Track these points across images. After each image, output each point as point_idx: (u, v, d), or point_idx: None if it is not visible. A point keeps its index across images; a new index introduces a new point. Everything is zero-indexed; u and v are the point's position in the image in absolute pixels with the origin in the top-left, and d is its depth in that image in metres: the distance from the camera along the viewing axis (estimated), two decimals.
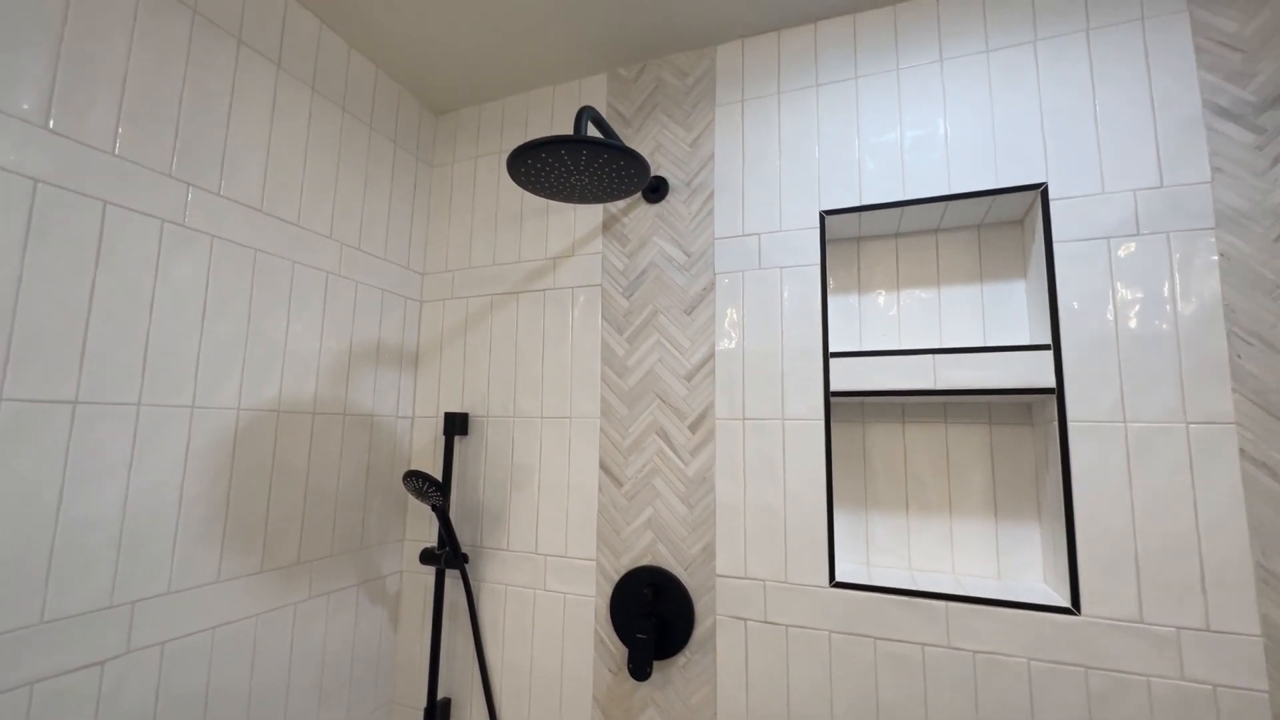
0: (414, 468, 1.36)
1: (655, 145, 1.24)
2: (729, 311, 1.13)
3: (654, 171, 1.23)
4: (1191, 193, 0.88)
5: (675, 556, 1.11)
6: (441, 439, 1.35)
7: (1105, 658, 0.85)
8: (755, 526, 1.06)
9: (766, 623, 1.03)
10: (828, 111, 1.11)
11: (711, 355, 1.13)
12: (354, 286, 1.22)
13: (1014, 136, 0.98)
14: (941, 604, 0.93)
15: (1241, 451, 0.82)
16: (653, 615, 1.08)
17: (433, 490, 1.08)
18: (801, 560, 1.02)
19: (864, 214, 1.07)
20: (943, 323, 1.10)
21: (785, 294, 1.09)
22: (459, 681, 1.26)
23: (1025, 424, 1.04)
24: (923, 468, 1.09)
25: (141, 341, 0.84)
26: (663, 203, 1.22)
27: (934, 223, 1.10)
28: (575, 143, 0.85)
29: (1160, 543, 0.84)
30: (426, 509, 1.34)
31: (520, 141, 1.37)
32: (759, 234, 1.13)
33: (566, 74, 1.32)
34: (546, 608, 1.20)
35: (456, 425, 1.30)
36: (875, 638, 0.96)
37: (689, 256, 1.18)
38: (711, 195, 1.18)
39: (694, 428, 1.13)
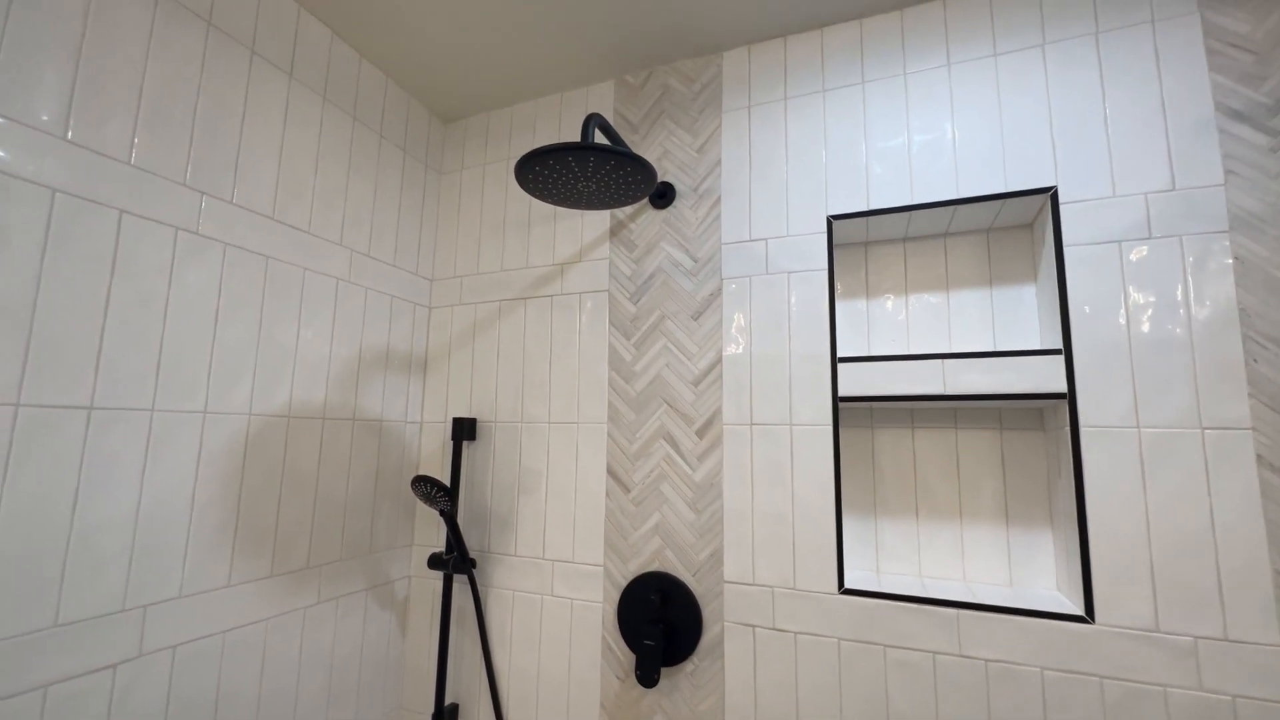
0: (422, 473, 1.37)
1: (662, 151, 1.24)
2: (736, 317, 1.13)
3: (661, 177, 1.24)
4: (1204, 196, 0.87)
5: (683, 562, 1.11)
6: (449, 444, 1.36)
7: (1120, 667, 0.83)
8: (763, 532, 1.06)
9: (775, 629, 1.02)
10: (834, 117, 1.11)
11: (719, 360, 1.13)
12: (363, 293, 1.23)
13: (1023, 140, 0.98)
14: (952, 611, 0.92)
15: (1258, 457, 0.81)
16: (660, 621, 1.08)
17: (441, 495, 1.08)
18: (810, 566, 1.02)
19: (871, 218, 1.06)
20: (952, 327, 1.09)
21: (793, 299, 1.09)
22: (466, 687, 1.26)
23: (1037, 429, 1.03)
24: (932, 473, 1.09)
25: (155, 347, 0.86)
26: (670, 208, 1.22)
27: (942, 227, 1.09)
28: (582, 149, 0.86)
29: (1176, 550, 0.83)
30: (435, 514, 1.35)
31: (528, 149, 1.38)
32: (766, 239, 1.13)
33: (574, 81, 1.33)
34: (554, 613, 1.20)
35: (464, 430, 1.30)
36: (885, 645, 0.96)
37: (696, 262, 1.18)
38: (718, 201, 1.18)
39: (701, 433, 1.13)
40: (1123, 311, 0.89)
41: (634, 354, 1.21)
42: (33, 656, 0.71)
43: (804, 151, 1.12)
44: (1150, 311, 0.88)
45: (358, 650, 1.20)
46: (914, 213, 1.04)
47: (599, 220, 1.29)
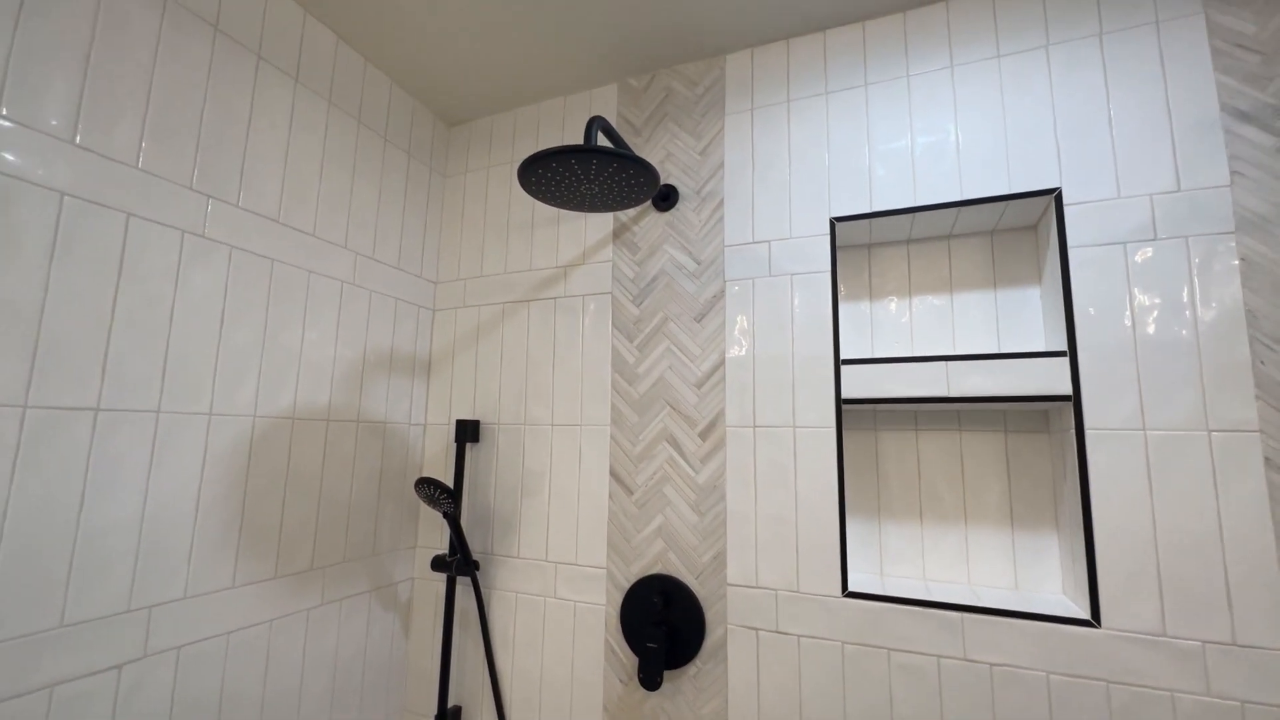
0: (426, 475, 1.37)
1: (665, 154, 1.25)
2: (739, 319, 1.13)
3: (664, 180, 1.24)
4: (1210, 197, 0.86)
5: (686, 565, 1.11)
6: (453, 446, 1.36)
7: (1127, 672, 0.82)
8: (766, 535, 1.05)
9: (778, 632, 1.02)
10: (837, 119, 1.11)
11: (722, 362, 1.13)
12: (368, 295, 1.24)
13: (1027, 141, 0.98)
14: (957, 615, 0.92)
15: (1266, 460, 0.80)
16: (663, 624, 1.08)
17: (444, 497, 1.09)
18: (813, 569, 1.01)
19: (875, 220, 1.06)
20: (956, 329, 1.09)
21: (796, 301, 1.09)
22: (469, 689, 1.26)
23: (1042, 431, 1.03)
24: (937, 476, 1.08)
25: (161, 350, 0.86)
26: (673, 211, 1.22)
27: (946, 229, 1.09)
28: (585, 152, 0.86)
29: (1183, 554, 0.82)
30: (438, 516, 1.35)
31: (532, 151, 1.39)
32: (769, 241, 1.13)
33: (577, 85, 1.33)
34: (557, 616, 1.20)
35: (468, 432, 1.30)
36: (889, 649, 0.95)
37: (699, 264, 1.18)
38: (721, 203, 1.18)
39: (704, 435, 1.13)
40: (1128, 313, 0.89)
41: (637, 356, 1.21)
42: (39, 657, 0.72)
43: (807, 154, 1.12)
44: (1156, 313, 0.87)
45: (361, 652, 1.20)
46: (917, 215, 1.04)
47: (602, 223, 1.29)
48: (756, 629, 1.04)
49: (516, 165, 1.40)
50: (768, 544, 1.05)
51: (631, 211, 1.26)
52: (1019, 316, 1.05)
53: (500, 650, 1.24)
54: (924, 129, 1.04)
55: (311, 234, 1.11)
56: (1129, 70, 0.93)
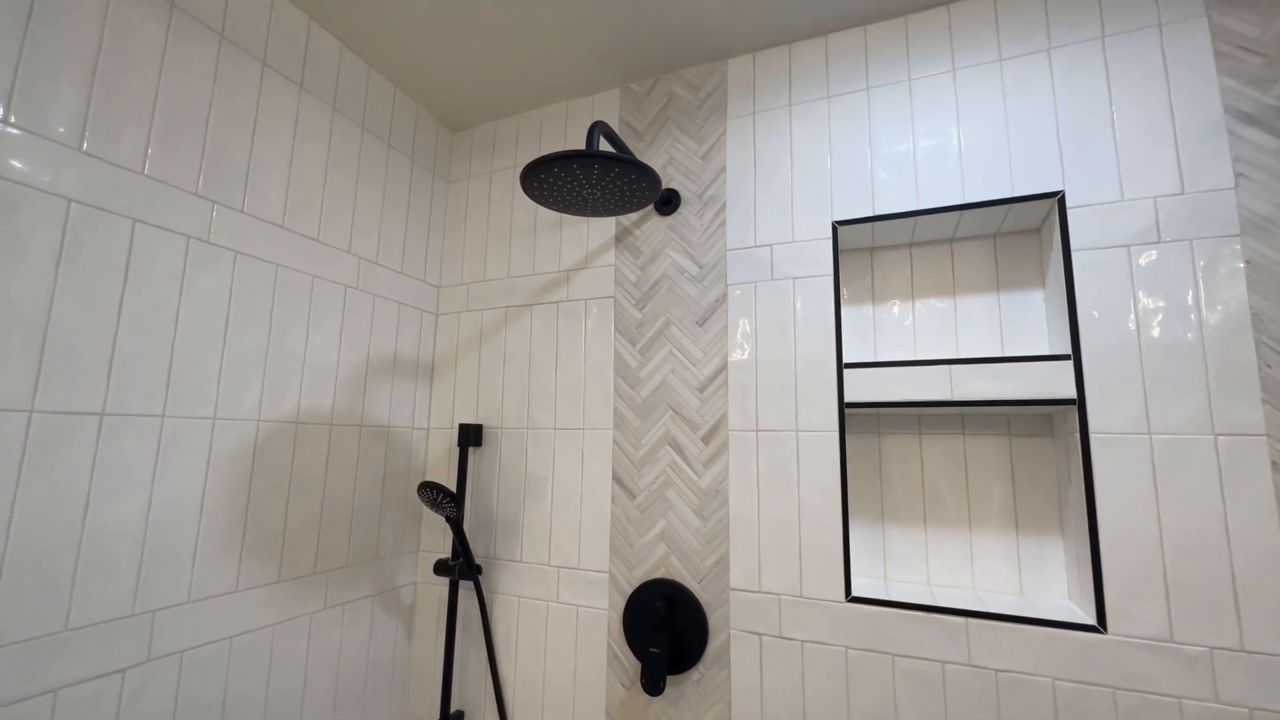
0: (428, 479, 1.38)
1: (667, 158, 1.25)
2: (742, 322, 1.13)
3: (666, 184, 1.24)
4: (1214, 199, 0.86)
5: (689, 569, 1.11)
6: (456, 450, 1.36)
7: (1134, 678, 0.82)
8: (769, 539, 1.05)
9: (781, 638, 1.02)
10: (839, 123, 1.11)
11: (724, 366, 1.13)
12: (371, 300, 1.25)
13: (1029, 145, 0.97)
14: (961, 620, 0.91)
15: (1273, 464, 0.79)
16: (666, 629, 1.07)
17: (447, 501, 1.09)
18: (817, 574, 1.01)
19: (877, 224, 1.06)
20: (959, 333, 1.09)
21: (798, 305, 1.09)
22: (472, 694, 1.26)
23: (1046, 435, 1.02)
24: (940, 480, 1.08)
25: (166, 355, 0.87)
26: (675, 215, 1.22)
27: (949, 232, 1.09)
28: (587, 157, 0.86)
29: (1189, 558, 0.81)
30: (441, 520, 1.35)
31: (534, 156, 1.39)
32: (771, 245, 1.13)
33: (579, 90, 1.34)
34: (559, 620, 1.20)
35: (471, 436, 1.31)
36: (893, 654, 0.94)
37: (701, 268, 1.18)
38: (723, 207, 1.18)
39: (707, 439, 1.12)
40: (1132, 316, 0.88)
41: (639, 360, 1.21)
42: (43, 660, 0.72)
43: (809, 157, 1.13)
44: (1160, 316, 0.87)
45: (364, 656, 1.20)
46: (920, 218, 1.03)
47: (604, 227, 1.29)
48: (759, 634, 1.03)
49: (519, 170, 1.41)
50: (770, 548, 1.05)
51: (634, 216, 1.27)
52: (1022, 320, 1.05)
53: (503, 655, 1.24)
54: (926, 132, 1.04)
55: (315, 239, 1.12)
56: (1131, 73, 0.93)
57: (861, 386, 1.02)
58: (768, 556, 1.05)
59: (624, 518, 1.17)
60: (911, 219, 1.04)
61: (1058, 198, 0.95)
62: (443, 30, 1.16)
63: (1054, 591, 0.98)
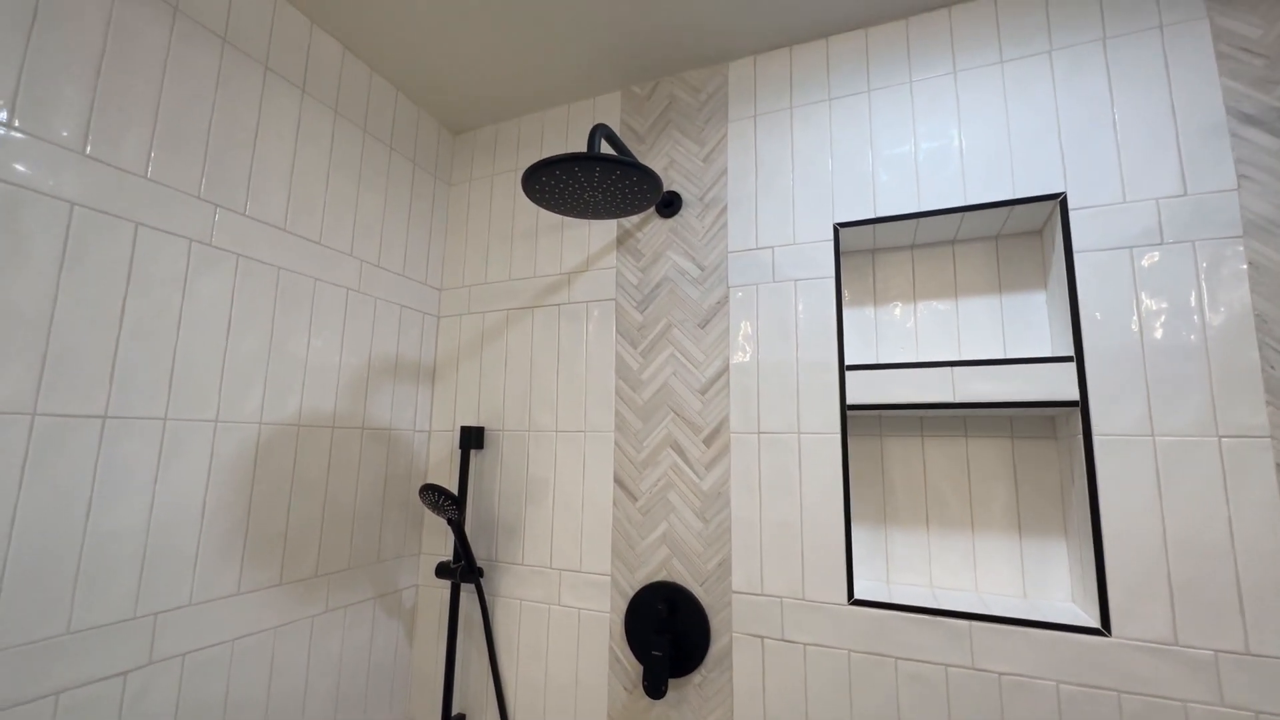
0: (430, 481, 1.38)
1: (669, 161, 1.25)
2: (743, 325, 1.13)
3: (667, 187, 1.24)
4: (1217, 201, 0.86)
5: (690, 572, 1.10)
6: (457, 453, 1.36)
7: (1138, 681, 0.81)
8: (771, 542, 1.05)
9: (784, 640, 1.01)
10: (840, 125, 1.11)
11: (726, 369, 1.13)
12: (373, 303, 1.25)
13: (1031, 146, 0.97)
14: (965, 623, 0.91)
15: (1278, 466, 0.79)
16: (668, 632, 1.07)
17: (448, 504, 1.09)
18: (819, 577, 1.01)
19: (878, 226, 1.06)
20: (961, 335, 1.08)
21: (800, 307, 1.09)
22: (473, 697, 1.26)
23: (1049, 437, 1.02)
24: (943, 482, 1.07)
25: (169, 358, 0.87)
26: (676, 217, 1.22)
27: (950, 234, 1.09)
28: (589, 160, 0.86)
29: (1193, 561, 0.81)
30: (442, 523, 1.35)
31: (536, 159, 1.40)
32: (773, 247, 1.13)
33: (581, 92, 1.34)
34: (561, 623, 1.20)
35: (472, 439, 1.31)
36: (896, 658, 0.94)
37: (703, 270, 1.18)
38: (725, 209, 1.18)
39: (709, 441, 1.12)
40: (1135, 318, 0.88)
41: (641, 362, 1.21)
42: (45, 663, 0.72)
43: (810, 160, 1.13)
44: (1163, 318, 0.86)
45: (365, 659, 1.20)
46: (921, 220, 1.03)
47: (606, 230, 1.29)
48: (762, 637, 1.03)
49: (521, 173, 1.41)
50: (773, 551, 1.04)
51: (635, 218, 1.27)
52: (1025, 321, 1.04)
53: (504, 658, 1.24)
54: (927, 134, 1.04)
55: (317, 242, 1.12)
56: (1133, 75, 0.93)
57: (863, 388, 1.02)
58: (770, 559, 1.04)
59: (626, 520, 1.17)
60: (913, 221, 1.04)
61: (1060, 199, 0.94)
62: (444, 33, 1.16)
63: (1057, 594, 0.98)
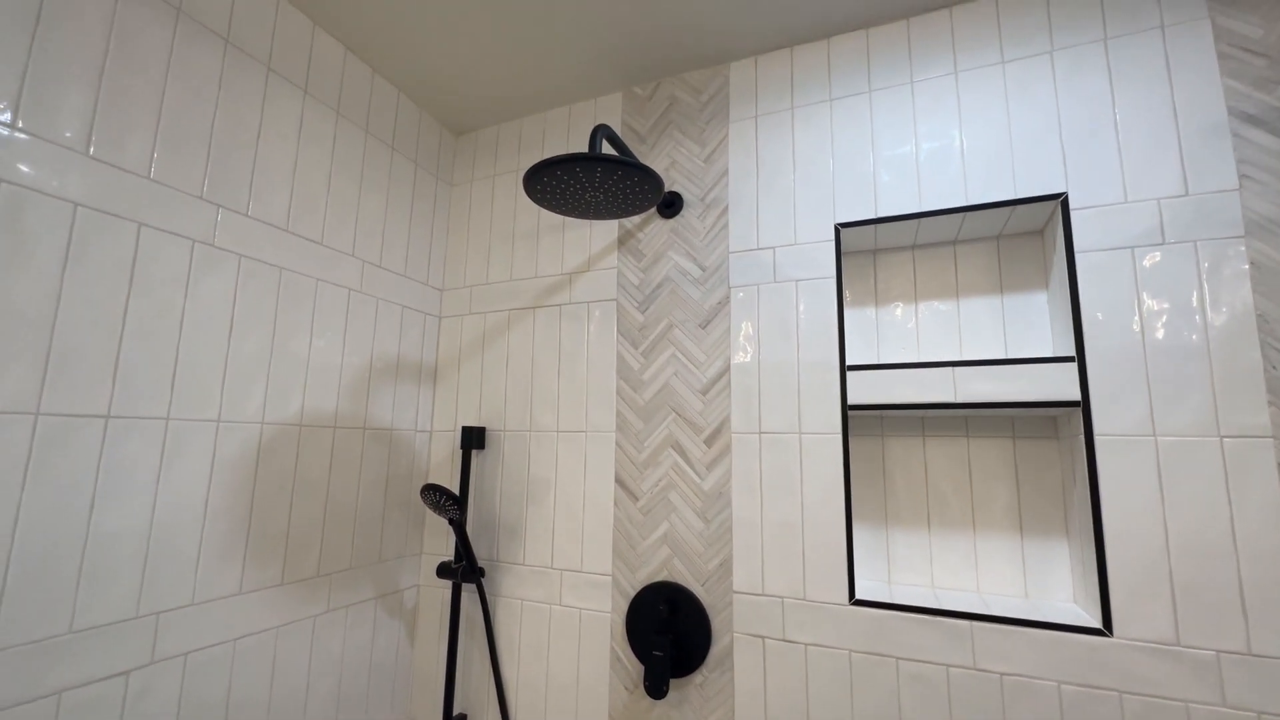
0: (432, 481, 1.38)
1: (670, 161, 1.25)
2: (744, 325, 1.13)
3: (668, 187, 1.24)
4: (1219, 201, 0.86)
5: (691, 572, 1.10)
6: (459, 453, 1.36)
7: (1140, 682, 0.81)
8: (772, 542, 1.05)
9: (785, 641, 1.01)
10: (841, 125, 1.11)
11: (727, 369, 1.13)
12: (375, 303, 1.25)
13: (1032, 147, 0.97)
14: (966, 623, 0.91)
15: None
16: (669, 632, 1.07)
17: (450, 504, 1.09)
18: (820, 577, 1.01)
19: (880, 226, 1.06)
20: (962, 335, 1.08)
21: (801, 307, 1.09)
22: (475, 697, 1.26)
23: (1050, 437, 1.02)
24: (944, 483, 1.07)
25: (171, 357, 0.87)
26: (677, 218, 1.23)
27: (952, 234, 1.09)
28: (590, 160, 0.86)
29: (1196, 561, 0.81)
30: (444, 523, 1.35)
31: (537, 160, 1.40)
32: (774, 247, 1.13)
33: (582, 93, 1.35)
34: (562, 623, 1.20)
35: (473, 439, 1.31)
36: (897, 658, 0.94)
37: (704, 270, 1.18)
38: (726, 210, 1.18)
39: (710, 442, 1.12)
40: (1137, 318, 0.88)
41: (642, 363, 1.21)
42: (48, 662, 0.72)
43: (811, 160, 1.13)
44: (1165, 318, 0.86)
45: (366, 659, 1.20)
46: (922, 220, 1.03)
47: (607, 230, 1.30)
48: (763, 637, 1.03)
49: (522, 173, 1.41)
50: (774, 551, 1.04)
51: (636, 219, 1.27)
52: (1026, 322, 1.04)
53: (505, 658, 1.24)
54: (928, 135, 1.04)
55: (319, 243, 1.12)
56: (1134, 75, 0.93)
57: (865, 388, 1.02)
58: (771, 559, 1.04)
59: (627, 520, 1.17)
60: (914, 221, 1.04)
61: (1061, 199, 0.94)
62: (446, 34, 1.16)
63: (1059, 594, 0.97)
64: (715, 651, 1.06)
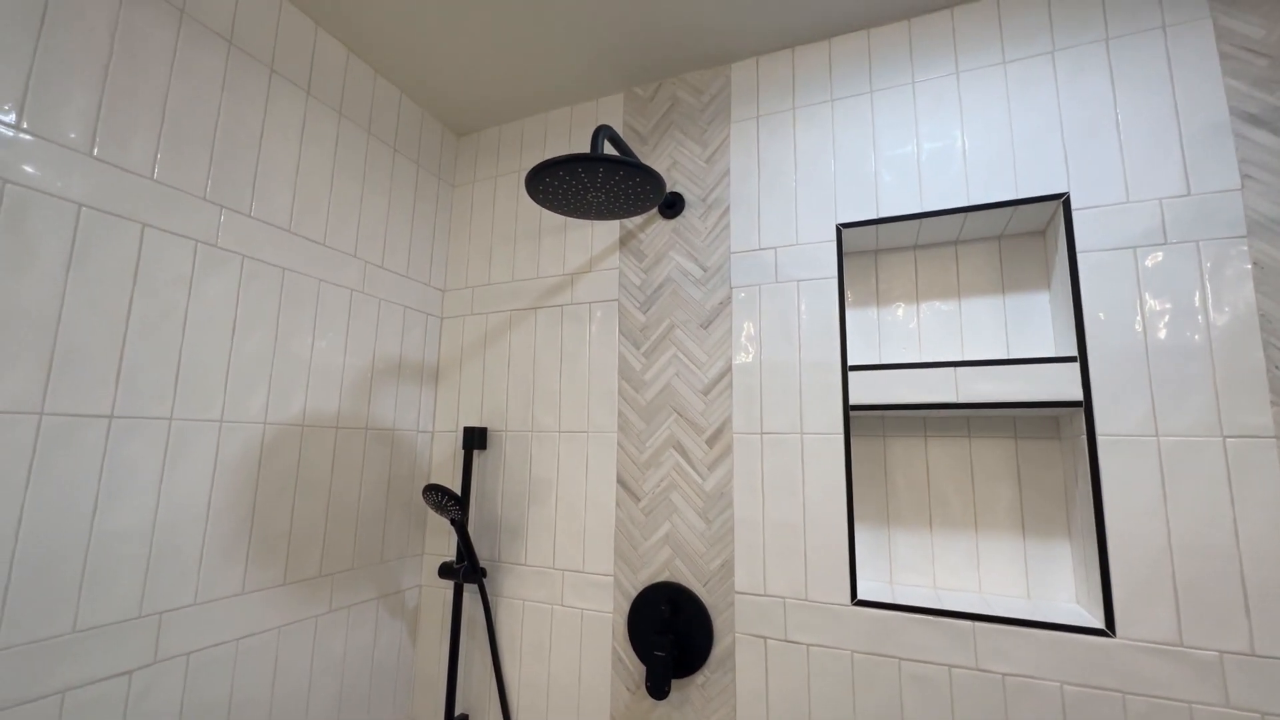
0: (433, 482, 1.38)
1: (671, 162, 1.25)
2: (746, 325, 1.13)
3: (670, 187, 1.24)
4: (1221, 200, 0.86)
5: (693, 572, 1.10)
6: (460, 453, 1.36)
7: (1143, 682, 0.81)
8: (774, 542, 1.05)
9: (787, 641, 1.01)
10: (843, 126, 1.11)
11: (729, 369, 1.13)
12: (377, 304, 1.25)
13: (1034, 146, 0.97)
14: (968, 624, 0.91)
15: None
16: (671, 632, 1.07)
17: (451, 504, 1.09)
18: (822, 577, 1.00)
19: (881, 226, 1.06)
20: (964, 335, 1.08)
21: (802, 307, 1.09)
22: (476, 697, 1.26)
23: (1053, 438, 1.02)
24: (946, 483, 1.07)
25: (174, 358, 0.87)
26: (679, 218, 1.23)
27: (953, 234, 1.09)
28: (592, 160, 0.87)
29: (1199, 561, 0.81)
30: (445, 523, 1.35)
31: (539, 161, 1.40)
32: (775, 248, 1.13)
33: (584, 94, 1.35)
34: (564, 624, 1.20)
35: (475, 440, 1.31)
36: (899, 658, 0.94)
37: (705, 271, 1.18)
38: (727, 210, 1.18)
39: (711, 442, 1.12)
40: (1139, 318, 0.88)
41: (644, 363, 1.21)
42: (51, 662, 0.72)
43: (813, 160, 1.13)
44: (1167, 318, 0.86)
45: (368, 659, 1.20)
46: (924, 220, 1.03)
47: (608, 230, 1.30)
48: (765, 637, 1.03)
49: (524, 174, 1.41)
50: (775, 551, 1.04)
51: (638, 219, 1.27)
52: (1028, 322, 1.04)
53: (507, 658, 1.24)
54: (930, 135, 1.04)
55: (322, 243, 1.12)
56: (1136, 75, 0.93)
57: (866, 389, 1.02)
58: (773, 560, 1.04)
59: (628, 521, 1.17)
60: (916, 221, 1.04)
61: (1063, 199, 0.94)
62: (448, 36, 1.16)
63: (1061, 595, 0.97)
64: (717, 652, 1.06)
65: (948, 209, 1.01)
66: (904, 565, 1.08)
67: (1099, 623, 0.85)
